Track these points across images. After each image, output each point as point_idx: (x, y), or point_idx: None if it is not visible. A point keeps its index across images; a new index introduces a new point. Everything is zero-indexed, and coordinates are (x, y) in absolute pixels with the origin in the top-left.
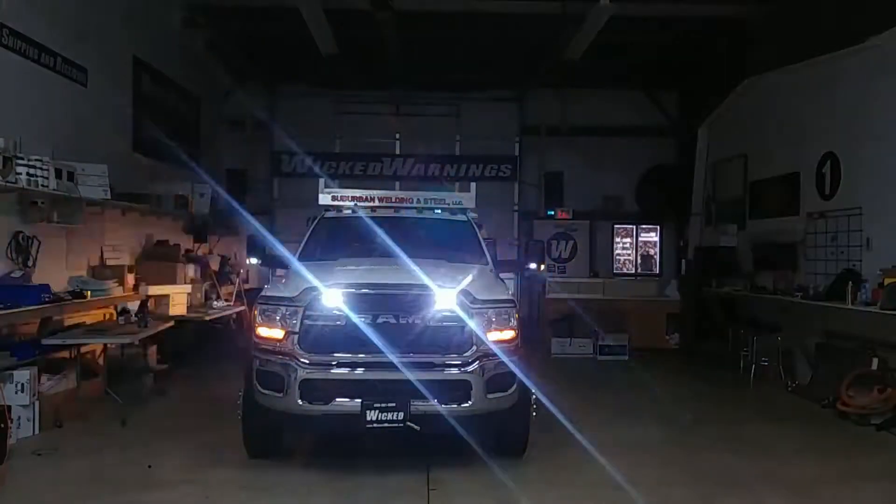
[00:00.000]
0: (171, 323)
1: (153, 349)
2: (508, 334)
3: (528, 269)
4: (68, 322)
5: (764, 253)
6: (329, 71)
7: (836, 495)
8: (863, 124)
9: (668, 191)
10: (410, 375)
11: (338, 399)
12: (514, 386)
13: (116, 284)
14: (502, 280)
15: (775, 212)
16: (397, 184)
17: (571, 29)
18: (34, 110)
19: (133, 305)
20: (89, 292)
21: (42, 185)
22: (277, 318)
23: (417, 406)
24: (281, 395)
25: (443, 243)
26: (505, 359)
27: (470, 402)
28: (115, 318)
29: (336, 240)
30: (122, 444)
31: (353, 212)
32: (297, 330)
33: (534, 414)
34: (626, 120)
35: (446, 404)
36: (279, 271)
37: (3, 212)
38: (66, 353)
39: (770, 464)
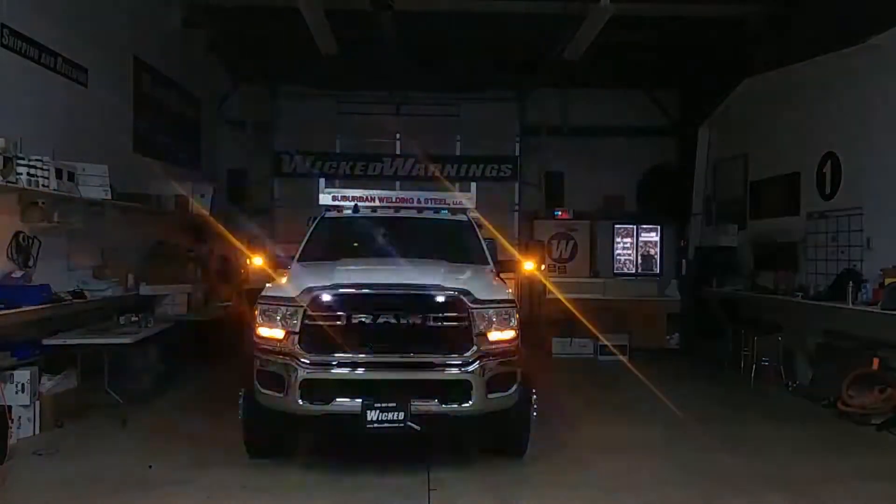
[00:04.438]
0: (171, 323)
1: (153, 349)
2: (509, 334)
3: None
4: (68, 322)
5: (764, 253)
6: (329, 71)
7: (836, 495)
8: (863, 124)
9: (669, 191)
10: (411, 375)
11: (338, 399)
12: (515, 386)
13: (116, 284)
14: (502, 280)
15: (776, 212)
16: (397, 184)
17: (571, 29)
18: (34, 110)
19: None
20: (89, 292)
21: (42, 186)
22: (278, 318)
23: (418, 406)
24: (281, 395)
25: (443, 243)
26: (505, 359)
27: (470, 402)
28: (115, 318)
29: (336, 240)
30: (122, 444)
31: (354, 212)
32: (297, 330)
33: (534, 414)
34: (626, 120)
35: (447, 404)
36: (279, 271)
37: (3, 212)
38: (66, 353)
39: (770, 464)
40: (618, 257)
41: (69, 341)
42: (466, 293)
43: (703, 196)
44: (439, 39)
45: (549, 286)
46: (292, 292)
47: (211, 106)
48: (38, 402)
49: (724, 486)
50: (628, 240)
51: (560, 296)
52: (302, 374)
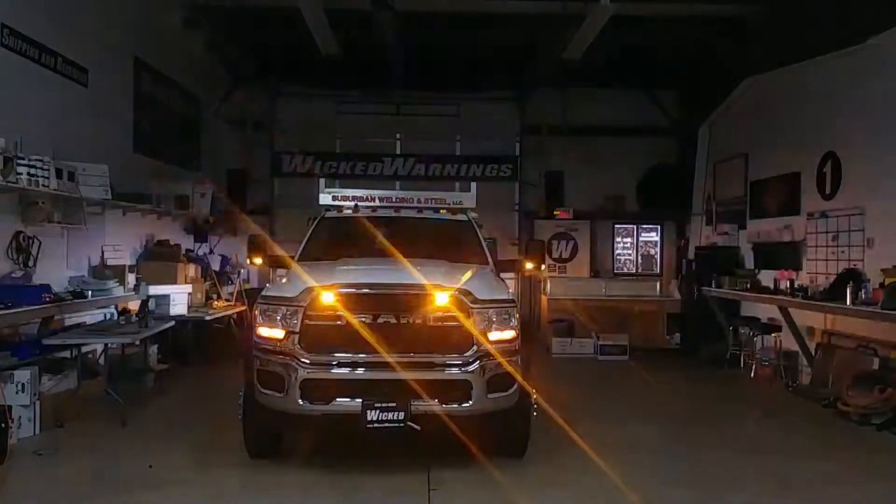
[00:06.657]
0: (171, 323)
1: (153, 349)
2: (509, 334)
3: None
4: (69, 322)
5: (764, 253)
6: (330, 71)
7: (837, 495)
8: (863, 124)
9: (669, 191)
10: (411, 375)
11: (338, 399)
12: (515, 386)
13: (116, 284)
14: (502, 280)
15: (776, 211)
16: (397, 184)
17: (571, 29)
18: (34, 110)
19: (133, 305)
20: (89, 292)
21: (43, 185)
22: (278, 317)
23: (418, 406)
24: (281, 394)
25: (443, 243)
26: (505, 359)
27: (470, 402)
28: (115, 317)
29: (336, 240)
30: (122, 444)
31: (354, 212)
32: (297, 330)
33: (534, 414)
34: (626, 120)
35: (447, 404)
36: (280, 271)
37: (3, 212)
38: (66, 353)
39: (770, 463)
40: (618, 257)
41: (69, 341)
42: (466, 293)
43: (703, 196)
44: (439, 39)
45: (551, 285)
46: (292, 292)
47: (211, 106)
48: (38, 402)
49: (724, 486)
50: (628, 239)
51: (561, 295)
52: (302, 373)
